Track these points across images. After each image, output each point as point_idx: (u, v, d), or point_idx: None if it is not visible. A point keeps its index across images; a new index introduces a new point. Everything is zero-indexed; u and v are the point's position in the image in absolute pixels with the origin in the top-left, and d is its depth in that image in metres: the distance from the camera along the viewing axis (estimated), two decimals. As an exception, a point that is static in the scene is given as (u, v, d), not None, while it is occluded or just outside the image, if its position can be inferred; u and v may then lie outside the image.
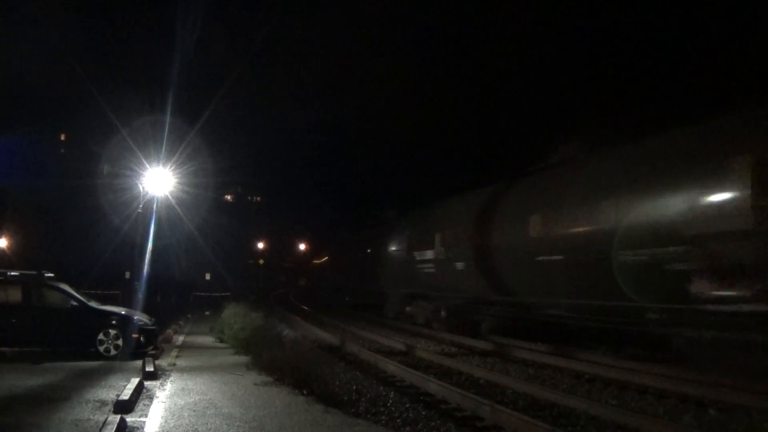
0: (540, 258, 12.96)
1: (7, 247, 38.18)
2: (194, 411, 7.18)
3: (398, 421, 7.24)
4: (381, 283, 24.79)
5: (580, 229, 11.86)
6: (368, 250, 28.03)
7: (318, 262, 50.69)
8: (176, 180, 20.90)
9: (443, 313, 18.10)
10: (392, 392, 8.83)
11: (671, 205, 9.69)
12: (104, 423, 6.14)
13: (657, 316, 10.07)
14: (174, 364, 10.99)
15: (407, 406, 7.98)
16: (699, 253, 9.03)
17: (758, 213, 8.22)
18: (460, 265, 16.83)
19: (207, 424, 6.57)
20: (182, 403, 7.63)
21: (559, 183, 13.31)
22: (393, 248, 23.20)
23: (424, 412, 7.61)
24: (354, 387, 9.13)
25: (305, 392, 8.33)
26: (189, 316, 24.95)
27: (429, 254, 19.01)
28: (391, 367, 10.90)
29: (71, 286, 12.77)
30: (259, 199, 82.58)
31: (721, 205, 8.83)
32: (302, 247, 69.49)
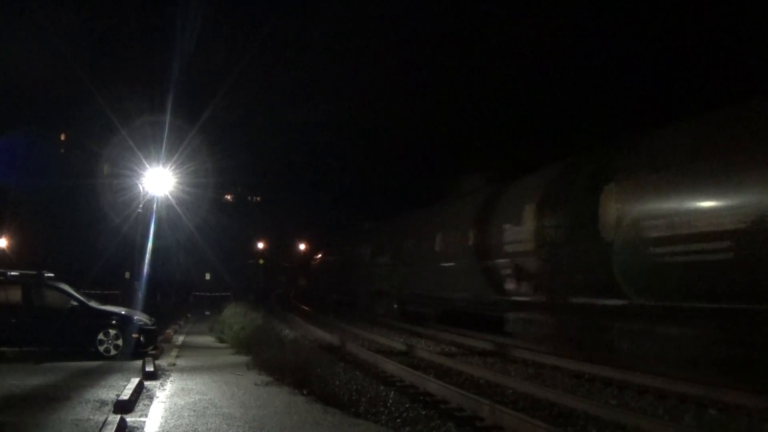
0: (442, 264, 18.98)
1: (7, 247, 38.19)
2: (194, 411, 7.18)
3: (398, 421, 7.24)
4: (354, 281, 30.86)
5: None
6: (347, 255, 33.83)
7: (315, 262, 51.19)
8: (176, 180, 20.93)
9: (395, 306, 24.01)
10: (392, 392, 8.82)
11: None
12: (104, 423, 6.14)
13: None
14: (174, 364, 10.99)
15: (407, 406, 7.98)
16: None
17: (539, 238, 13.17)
18: (402, 270, 22.94)
19: (207, 424, 6.57)
20: (182, 403, 7.63)
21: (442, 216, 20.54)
22: (363, 253, 29.11)
23: (424, 412, 7.61)
24: (354, 387, 9.13)
25: (305, 392, 8.33)
26: (189, 316, 24.97)
27: (384, 260, 25.37)
28: (391, 366, 10.90)
29: (71, 286, 12.78)
30: (259, 199, 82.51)
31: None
32: (302, 247, 69.44)
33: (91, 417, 6.71)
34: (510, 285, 14.38)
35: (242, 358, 11.86)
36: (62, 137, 52.05)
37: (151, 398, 7.90)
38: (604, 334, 11.12)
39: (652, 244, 9.87)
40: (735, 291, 8.66)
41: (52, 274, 12.55)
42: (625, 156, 11.30)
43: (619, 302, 10.75)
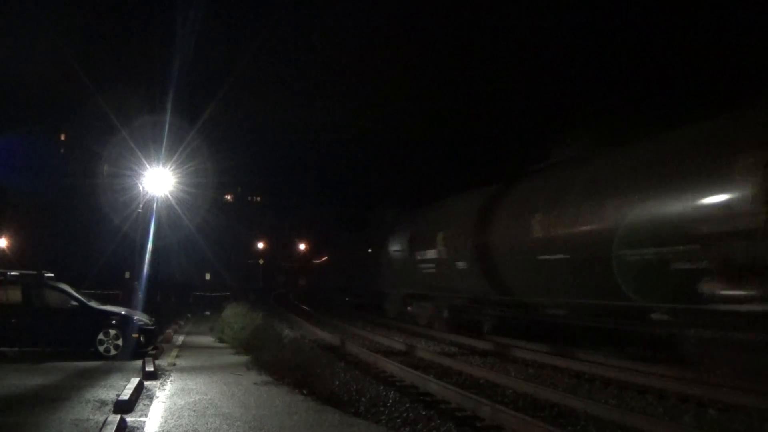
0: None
1: (7, 247, 38.20)
2: (194, 411, 7.18)
3: (398, 420, 7.24)
4: (381, 282, 24.96)
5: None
6: (369, 250, 28.05)
7: (318, 262, 50.76)
8: (176, 180, 20.93)
9: (444, 314, 18.41)
10: (392, 392, 8.82)
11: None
12: (104, 423, 6.14)
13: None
14: (174, 364, 10.99)
15: (407, 405, 7.97)
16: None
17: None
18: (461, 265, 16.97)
19: (207, 423, 6.57)
20: (182, 402, 7.63)
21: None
22: (393, 248, 23.16)
23: (424, 412, 7.61)
24: (354, 387, 9.13)
25: (305, 392, 8.33)
26: (189, 316, 24.95)
27: (429, 254, 19.10)
28: (391, 366, 10.90)
29: (71, 286, 12.77)
30: (259, 199, 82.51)
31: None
32: (302, 247, 69.42)
33: (91, 417, 6.71)
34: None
35: (242, 358, 11.86)
36: (62, 137, 52.10)
37: (151, 398, 7.89)
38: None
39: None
40: None
41: (52, 274, 12.55)
42: None
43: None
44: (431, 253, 18.89)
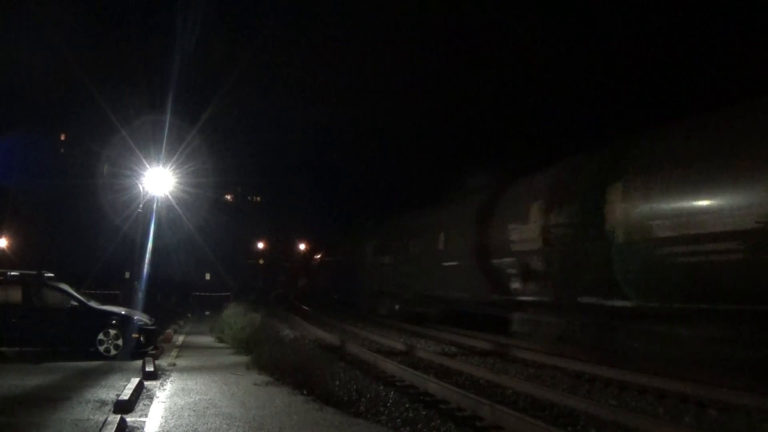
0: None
1: (7, 247, 38.22)
2: (194, 411, 7.18)
3: (398, 420, 7.23)
4: (357, 281, 30.04)
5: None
6: (349, 254, 33.26)
7: (315, 262, 51.27)
8: (176, 180, 20.90)
9: (396, 307, 23.46)
10: (392, 392, 8.81)
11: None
12: (104, 423, 6.14)
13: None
14: (174, 364, 10.99)
15: (407, 405, 7.97)
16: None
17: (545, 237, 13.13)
18: (404, 269, 22.47)
19: (207, 423, 6.57)
20: (182, 402, 7.63)
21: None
22: (365, 252, 28.42)
23: (424, 412, 7.60)
24: (354, 387, 9.11)
25: (305, 392, 8.33)
26: (189, 316, 24.97)
27: (386, 259, 24.84)
28: (391, 366, 10.90)
29: (71, 286, 12.77)
30: (259, 199, 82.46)
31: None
32: (302, 247, 69.38)
33: (91, 417, 6.71)
34: (517, 284, 13.80)
35: (242, 358, 11.86)
36: (62, 137, 52.09)
37: (151, 398, 7.89)
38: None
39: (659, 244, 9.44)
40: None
41: (52, 274, 12.54)
42: (633, 154, 10.76)
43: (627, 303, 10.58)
44: (387, 259, 24.74)
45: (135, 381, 8.28)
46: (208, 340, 16.18)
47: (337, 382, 9.31)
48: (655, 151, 10.28)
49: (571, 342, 12.11)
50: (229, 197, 74.42)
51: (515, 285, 13.84)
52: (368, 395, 8.56)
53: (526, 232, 13.30)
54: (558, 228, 12.15)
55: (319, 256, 49.12)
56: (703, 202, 8.79)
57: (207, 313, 25.86)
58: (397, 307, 23.09)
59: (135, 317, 12.46)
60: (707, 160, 8.93)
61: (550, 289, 12.63)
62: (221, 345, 14.76)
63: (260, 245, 68.59)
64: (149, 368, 9.71)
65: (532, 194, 13.47)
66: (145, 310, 14.69)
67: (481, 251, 15.46)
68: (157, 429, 6.39)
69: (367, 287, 27.64)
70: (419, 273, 20.38)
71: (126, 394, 7.43)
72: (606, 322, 11.17)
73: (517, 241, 13.64)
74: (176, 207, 23.28)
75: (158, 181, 19.25)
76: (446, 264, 17.87)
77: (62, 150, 51.53)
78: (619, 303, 10.69)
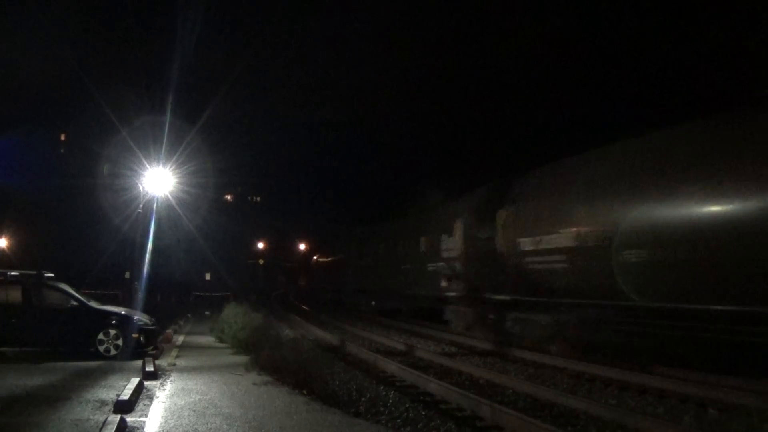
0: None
1: (7, 247, 38.22)
2: (194, 411, 7.18)
3: (398, 420, 7.24)
4: (343, 281, 33.65)
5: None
6: (338, 256, 37.08)
7: (312, 262, 51.64)
8: (176, 180, 20.88)
9: (372, 303, 27.22)
10: (392, 392, 8.82)
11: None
12: (104, 423, 6.14)
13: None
14: (174, 364, 10.99)
15: (407, 405, 7.98)
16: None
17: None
18: (377, 270, 26.26)
19: (207, 423, 6.57)
20: (182, 403, 7.63)
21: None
22: (350, 254, 32.31)
23: (424, 412, 7.61)
24: (354, 387, 9.13)
25: (305, 392, 8.33)
26: (189, 316, 24.94)
27: (364, 261, 28.57)
28: (391, 366, 10.90)
29: (71, 286, 12.77)
30: (259, 199, 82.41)
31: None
32: (302, 247, 69.37)
33: (91, 417, 6.70)
34: (445, 283, 17.79)
35: (242, 358, 11.86)
36: (62, 137, 52.06)
37: (151, 398, 7.89)
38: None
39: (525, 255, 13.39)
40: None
41: (52, 274, 12.54)
42: (513, 188, 14.67)
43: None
44: (365, 261, 28.63)
45: (135, 381, 8.28)
46: (208, 340, 16.17)
47: (337, 382, 9.33)
48: (523, 187, 14.30)
49: (479, 327, 15.78)
50: (229, 197, 74.40)
51: (444, 284, 17.81)
52: (368, 395, 8.57)
53: (451, 243, 17.44)
54: (471, 240, 16.11)
55: (316, 257, 50.04)
56: (546, 227, 12.65)
57: (207, 313, 25.82)
58: (373, 303, 27.18)
59: (135, 317, 12.45)
60: (548, 198, 13.02)
61: (467, 287, 16.51)
62: (221, 345, 14.76)
63: (260, 245, 68.61)
64: (149, 368, 9.71)
65: (457, 213, 17.57)
66: (145, 310, 14.68)
67: (423, 257, 19.89)
68: (157, 429, 6.39)
69: (350, 286, 31.72)
70: (387, 274, 24.44)
71: (126, 394, 7.43)
72: (498, 311, 14.66)
73: (445, 250, 17.88)
74: (176, 207, 23.26)
75: (158, 181, 19.24)
76: (404, 266, 22.32)
77: (62, 150, 51.51)
78: (502, 297, 14.48)
